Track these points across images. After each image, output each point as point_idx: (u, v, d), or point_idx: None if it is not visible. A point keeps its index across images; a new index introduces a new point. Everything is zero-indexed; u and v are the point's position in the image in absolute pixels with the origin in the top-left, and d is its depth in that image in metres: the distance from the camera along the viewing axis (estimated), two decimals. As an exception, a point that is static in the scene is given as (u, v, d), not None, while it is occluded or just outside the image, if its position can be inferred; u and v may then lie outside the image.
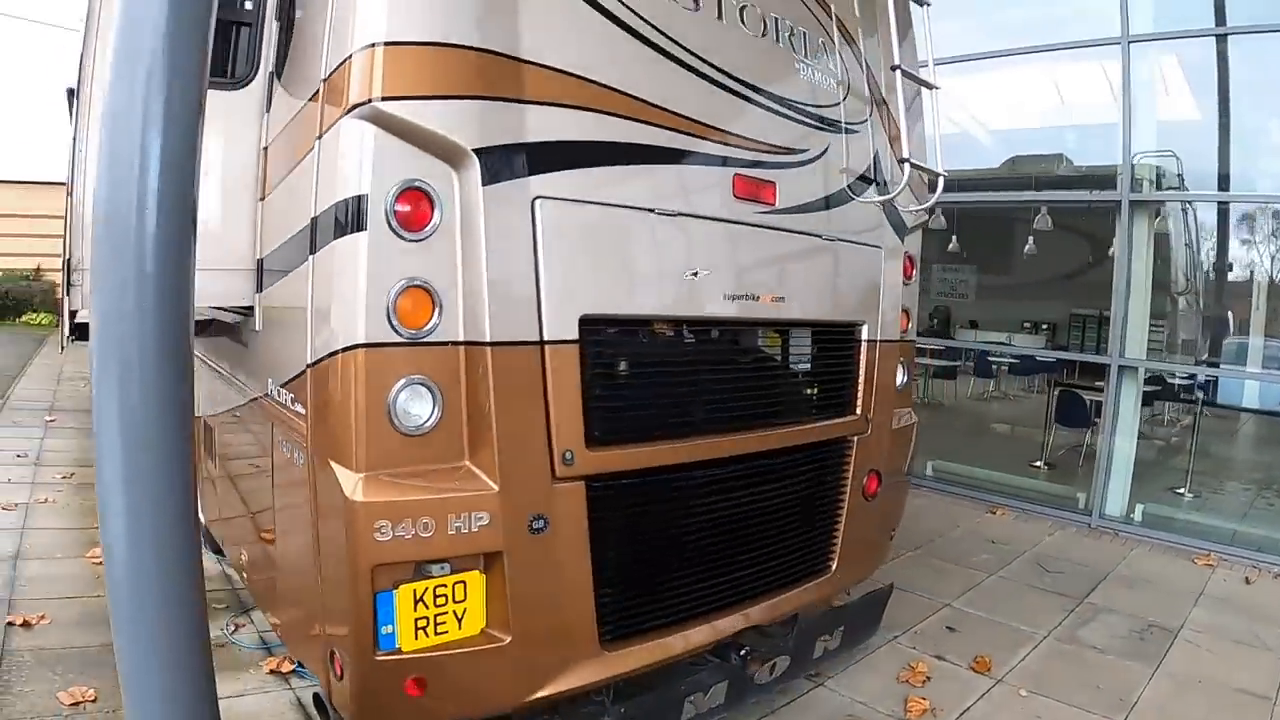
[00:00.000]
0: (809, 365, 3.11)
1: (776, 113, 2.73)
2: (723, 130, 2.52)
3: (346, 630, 2.04)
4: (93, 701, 2.67)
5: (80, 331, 4.15)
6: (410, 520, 1.98)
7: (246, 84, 2.46)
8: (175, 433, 1.33)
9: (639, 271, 2.36)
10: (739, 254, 2.61)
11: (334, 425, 2.04)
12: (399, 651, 2.04)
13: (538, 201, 2.11)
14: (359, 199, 1.95)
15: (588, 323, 2.22)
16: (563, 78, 2.16)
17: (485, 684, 2.18)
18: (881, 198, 3.13)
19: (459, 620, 2.11)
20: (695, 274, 2.46)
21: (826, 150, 2.94)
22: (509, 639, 2.15)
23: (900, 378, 3.46)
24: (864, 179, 3.13)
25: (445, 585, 2.08)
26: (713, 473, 2.59)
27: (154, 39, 1.23)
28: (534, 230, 2.10)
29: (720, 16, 2.57)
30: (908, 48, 3.33)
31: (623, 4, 2.30)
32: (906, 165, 3.07)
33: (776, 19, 2.77)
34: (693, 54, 2.45)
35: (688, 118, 2.42)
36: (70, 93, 2.81)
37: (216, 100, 3.13)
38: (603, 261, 2.27)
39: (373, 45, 1.93)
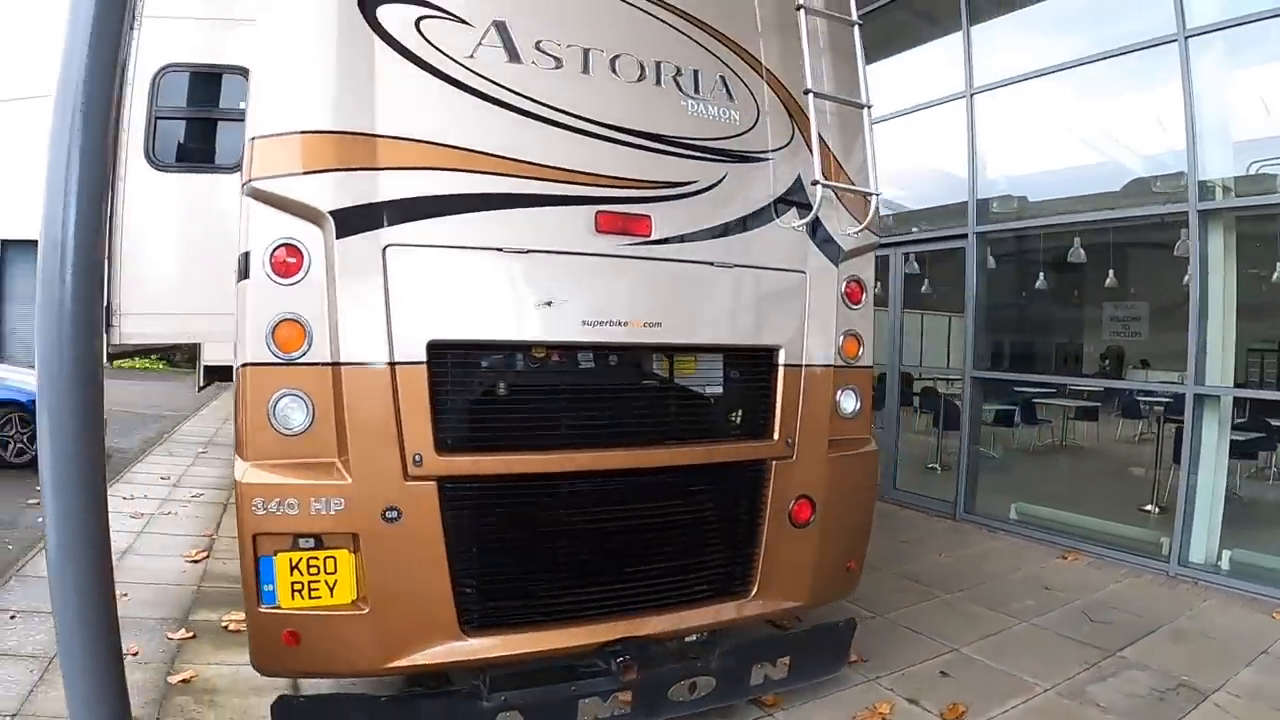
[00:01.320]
0: (707, 388, 3.23)
1: (652, 150, 2.96)
2: (582, 173, 2.82)
3: (244, 586, 2.62)
4: (133, 655, 3.42)
5: (218, 374, 5.20)
6: (279, 499, 2.49)
7: (234, 170, 3.22)
8: (89, 435, 1.98)
9: (487, 303, 2.72)
10: (603, 284, 2.86)
11: (237, 424, 2.65)
12: (278, 607, 2.54)
13: (388, 249, 2.57)
14: (247, 254, 2.55)
15: (435, 347, 2.62)
16: (414, 145, 2.60)
17: (348, 646, 2.61)
18: (799, 222, 3.21)
19: (330, 589, 2.57)
20: (549, 303, 2.77)
21: (722, 180, 3.10)
22: (368, 610, 2.58)
23: (852, 404, 3.44)
24: (787, 203, 3.23)
25: (317, 558, 2.55)
26: (582, 484, 2.84)
27: (75, 118, 1.90)
28: (384, 272, 2.56)
29: (586, 70, 2.89)
30: (845, 67, 3.42)
31: (477, 74, 2.70)
32: (819, 188, 3.19)
33: (659, 63, 3.03)
34: (550, 107, 2.79)
35: (541, 165, 2.75)
36: None
37: (222, 180, 4.00)
38: (450, 295, 2.67)
39: (252, 138, 2.55)
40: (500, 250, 2.70)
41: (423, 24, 2.70)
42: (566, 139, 2.82)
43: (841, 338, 3.38)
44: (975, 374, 6.44)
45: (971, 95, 6.38)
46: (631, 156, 2.93)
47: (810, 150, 3.24)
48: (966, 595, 4.77)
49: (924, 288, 7.96)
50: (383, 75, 2.63)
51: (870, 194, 3.37)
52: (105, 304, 3.28)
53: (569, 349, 2.94)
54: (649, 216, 2.93)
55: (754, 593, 3.19)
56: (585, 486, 2.87)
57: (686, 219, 3.02)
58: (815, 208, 3.21)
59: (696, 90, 3.11)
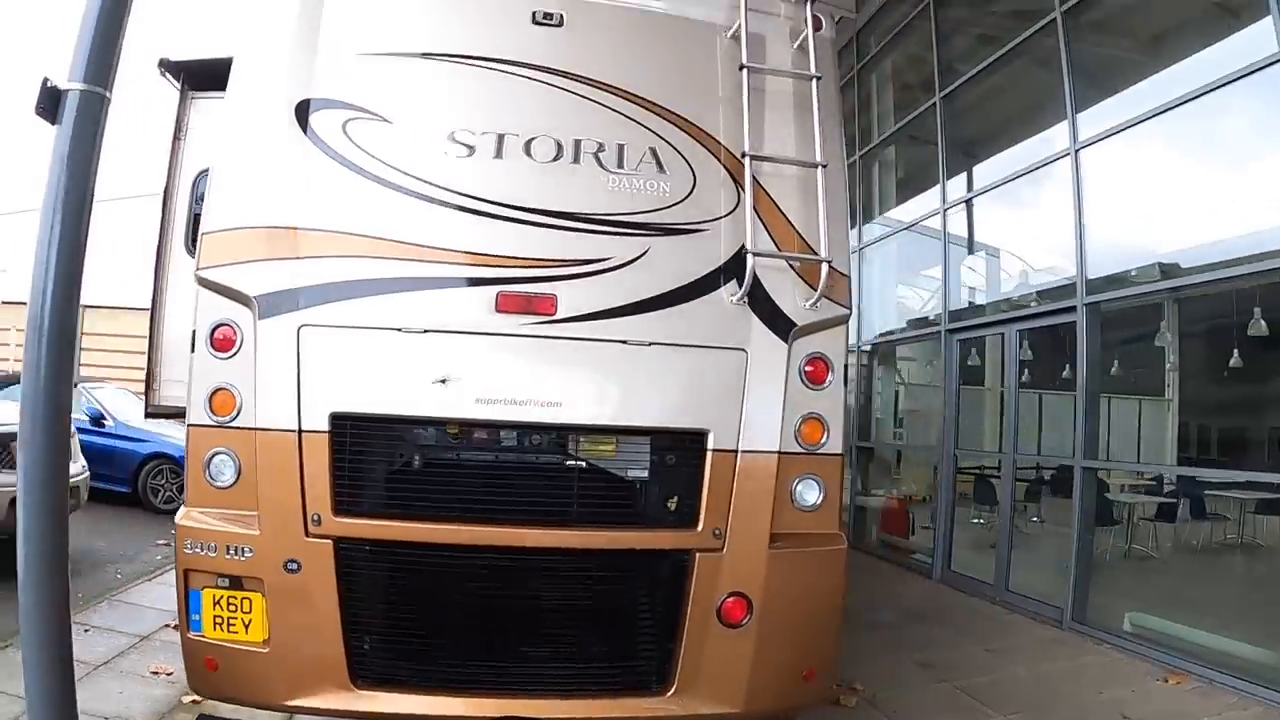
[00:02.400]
0: (624, 471, 3.09)
1: (562, 229, 3.03)
2: (487, 254, 2.97)
3: (178, 614, 2.96)
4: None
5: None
6: (205, 542, 2.85)
7: None
8: (56, 461, 2.50)
9: (386, 379, 2.92)
10: (500, 363, 2.95)
11: (184, 476, 3.08)
12: (203, 635, 2.87)
13: (301, 329, 2.88)
14: (194, 331, 3.00)
15: (337, 418, 2.87)
16: (330, 235, 2.93)
17: (254, 679, 2.88)
18: (735, 296, 3.08)
19: (246, 627, 2.86)
20: (443, 381, 2.90)
21: (643, 254, 3.08)
22: (269, 650, 2.85)
23: (814, 496, 3.13)
24: (730, 274, 3.10)
25: (236, 597, 2.86)
26: (474, 558, 2.89)
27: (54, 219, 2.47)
28: (297, 349, 2.87)
29: (499, 154, 3.06)
30: (806, 125, 3.24)
31: (392, 167, 2.99)
32: (750, 258, 3.05)
33: (579, 141, 3.11)
34: (457, 193, 3.00)
35: (446, 249, 2.95)
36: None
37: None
38: (354, 371, 2.91)
39: (202, 234, 3.02)
40: (400, 330, 2.93)
41: (348, 125, 3.04)
42: (474, 222, 3.00)
43: (799, 421, 3.13)
44: (1085, 464, 5.62)
45: (1076, 151, 5.78)
46: (540, 236, 3.03)
47: (758, 217, 3.14)
48: (1025, 715, 4.16)
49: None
50: (310, 174, 3.00)
51: (820, 260, 3.12)
52: (147, 371, 3.97)
53: (465, 426, 3.02)
54: (554, 295, 3.00)
55: (671, 692, 2.98)
56: (478, 560, 2.91)
57: (598, 297, 3.03)
58: (746, 280, 3.06)
59: (620, 164, 3.14)
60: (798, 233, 3.21)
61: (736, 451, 3.05)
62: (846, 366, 3.35)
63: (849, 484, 9.37)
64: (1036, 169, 6.38)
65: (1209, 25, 5.35)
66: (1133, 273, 5.64)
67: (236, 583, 2.87)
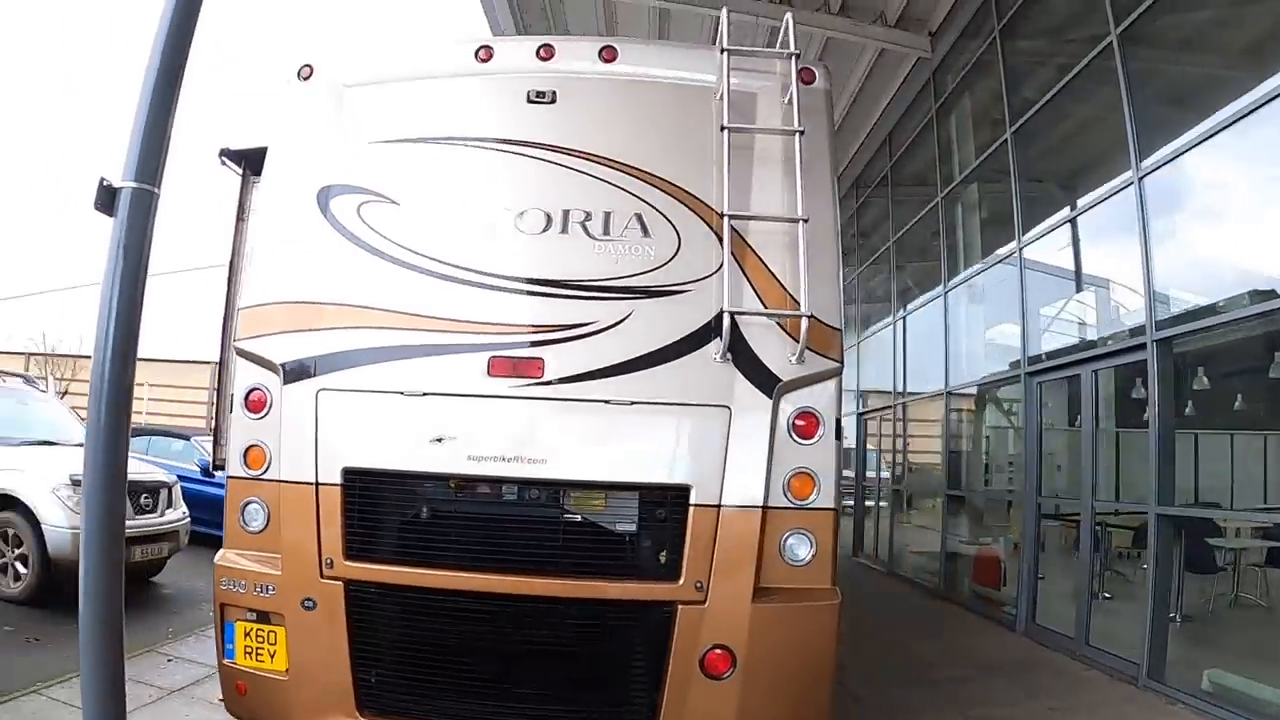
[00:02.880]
0: (610, 525, 3.19)
1: (550, 296, 3.23)
2: (481, 322, 3.20)
3: (216, 643, 3.33)
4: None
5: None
6: (236, 580, 3.21)
7: None
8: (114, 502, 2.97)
9: (391, 438, 3.20)
10: (491, 423, 3.15)
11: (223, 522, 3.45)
12: (235, 663, 3.22)
13: (320, 392, 3.22)
14: (233, 395, 3.44)
15: (349, 472, 3.16)
16: (344, 308, 3.27)
17: (275, 704, 3.18)
18: (715, 354, 3.14)
19: (271, 657, 3.18)
20: (439, 440, 3.15)
21: (627, 317, 3.21)
22: (288, 678, 3.16)
23: (805, 551, 3.13)
24: (709, 333, 3.16)
25: (263, 630, 3.20)
26: (471, 603, 3.07)
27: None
28: (316, 410, 3.22)
29: (493, 228, 3.30)
30: (790, 181, 3.24)
31: (397, 244, 3.30)
32: (726, 317, 3.12)
33: (567, 211, 3.30)
34: (454, 266, 3.26)
35: (445, 318, 3.21)
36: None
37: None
38: (362, 430, 3.21)
39: (239, 309, 3.46)
40: (402, 393, 3.20)
41: (362, 208, 3.40)
42: (469, 293, 3.26)
43: (789, 476, 3.15)
44: (1161, 510, 5.21)
45: (1140, 179, 5.46)
46: (529, 303, 3.24)
47: (743, 275, 3.23)
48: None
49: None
50: (328, 253, 3.36)
51: (800, 316, 3.12)
52: (214, 430, 4.47)
53: (463, 481, 3.22)
54: (541, 359, 3.19)
55: None
56: (471, 605, 3.09)
57: (583, 359, 3.18)
58: (724, 338, 3.13)
59: (606, 232, 3.30)
60: (785, 290, 3.23)
61: (719, 506, 3.10)
62: (839, 421, 3.30)
63: (942, 533, 9.04)
64: (1103, 200, 6.05)
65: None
66: (1220, 303, 5.24)
67: (264, 617, 3.20)
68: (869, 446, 12.42)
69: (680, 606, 3.05)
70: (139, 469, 7.35)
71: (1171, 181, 5.37)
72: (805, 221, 3.21)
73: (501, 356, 3.21)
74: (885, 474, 11.75)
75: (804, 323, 3.14)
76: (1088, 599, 6.06)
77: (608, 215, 3.34)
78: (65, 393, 23.99)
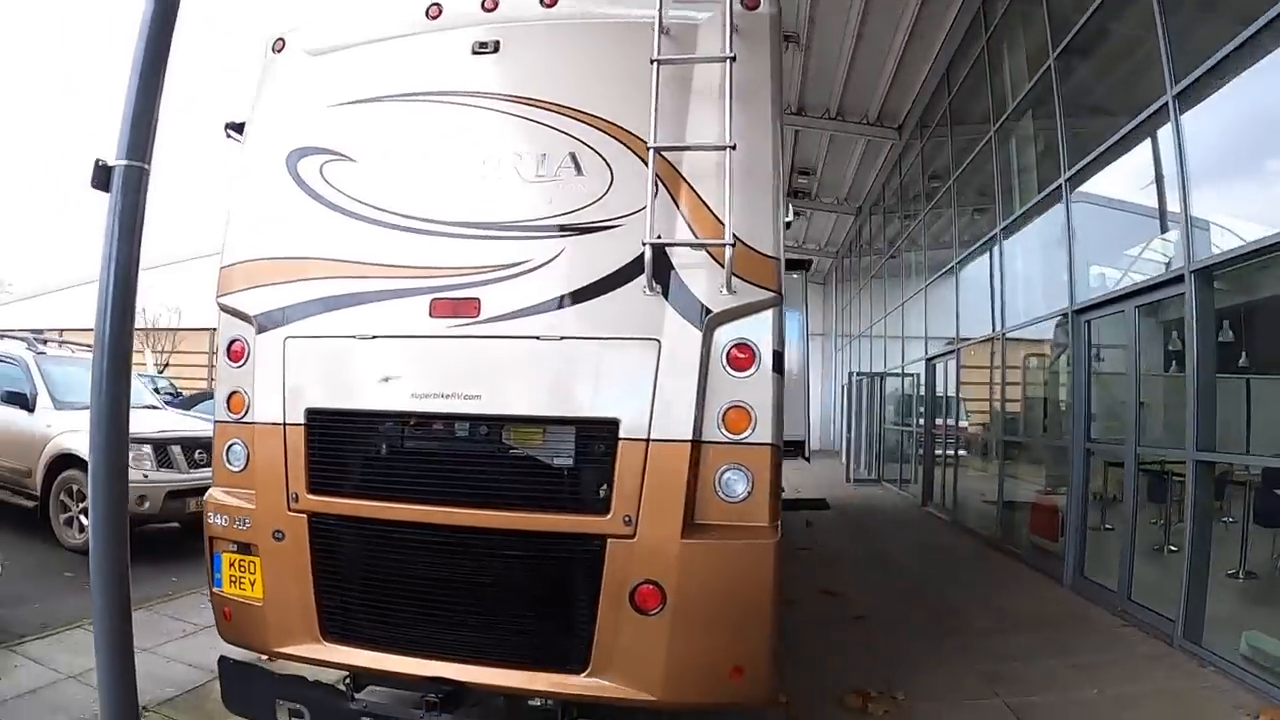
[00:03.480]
0: (545, 459, 3.23)
1: (485, 238, 3.29)
2: (422, 267, 3.31)
3: (207, 573, 3.59)
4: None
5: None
6: (220, 514, 3.49)
7: None
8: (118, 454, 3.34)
9: (346, 379, 3.37)
10: (432, 362, 3.27)
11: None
12: (223, 591, 3.51)
13: (287, 340, 3.43)
14: (218, 347, 3.72)
15: (312, 412, 3.36)
16: (306, 261, 3.44)
17: (254, 628, 3.44)
18: (644, 287, 3.11)
19: (251, 585, 3.45)
20: (386, 379, 3.30)
21: (559, 255, 3.23)
22: (264, 604, 3.44)
23: (741, 487, 3.06)
24: (639, 267, 3.12)
25: (243, 561, 3.46)
26: (417, 534, 3.20)
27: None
28: (283, 357, 3.43)
29: (436, 176, 3.39)
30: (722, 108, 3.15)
31: (350, 197, 3.45)
32: (647, 248, 3.10)
33: (500, 154, 3.34)
34: (398, 214, 3.38)
35: (391, 265, 3.34)
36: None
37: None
38: (323, 373, 3.39)
39: (219, 268, 3.69)
40: (355, 337, 3.37)
41: (325, 168, 3.55)
42: (413, 240, 3.36)
43: (723, 410, 3.10)
44: (1201, 456, 4.77)
45: (1175, 97, 4.95)
46: (467, 246, 3.30)
47: (676, 207, 3.18)
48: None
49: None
50: (295, 212, 3.54)
51: (723, 244, 3.05)
52: None
53: (407, 417, 3.35)
54: (478, 299, 3.26)
55: (588, 671, 3.08)
56: (418, 536, 3.22)
57: (517, 297, 3.23)
58: (647, 270, 3.11)
59: (539, 172, 3.32)
60: (720, 221, 3.12)
61: (647, 440, 3.07)
62: (779, 353, 3.18)
63: (998, 482, 8.64)
64: (1140, 125, 5.52)
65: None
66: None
67: (244, 548, 3.45)
68: (936, 393, 11.94)
69: (610, 540, 3.05)
70: (196, 427, 8.00)
71: (1207, 101, 4.84)
72: (733, 148, 3.11)
73: (442, 298, 3.30)
74: (954, 421, 11.27)
75: (728, 251, 3.06)
76: (1129, 551, 5.64)
77: (542, 156, 3.35)
78: (166, 365, 25.86)
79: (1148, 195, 5.74)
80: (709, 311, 3.12)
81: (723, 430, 3.10)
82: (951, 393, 11.12)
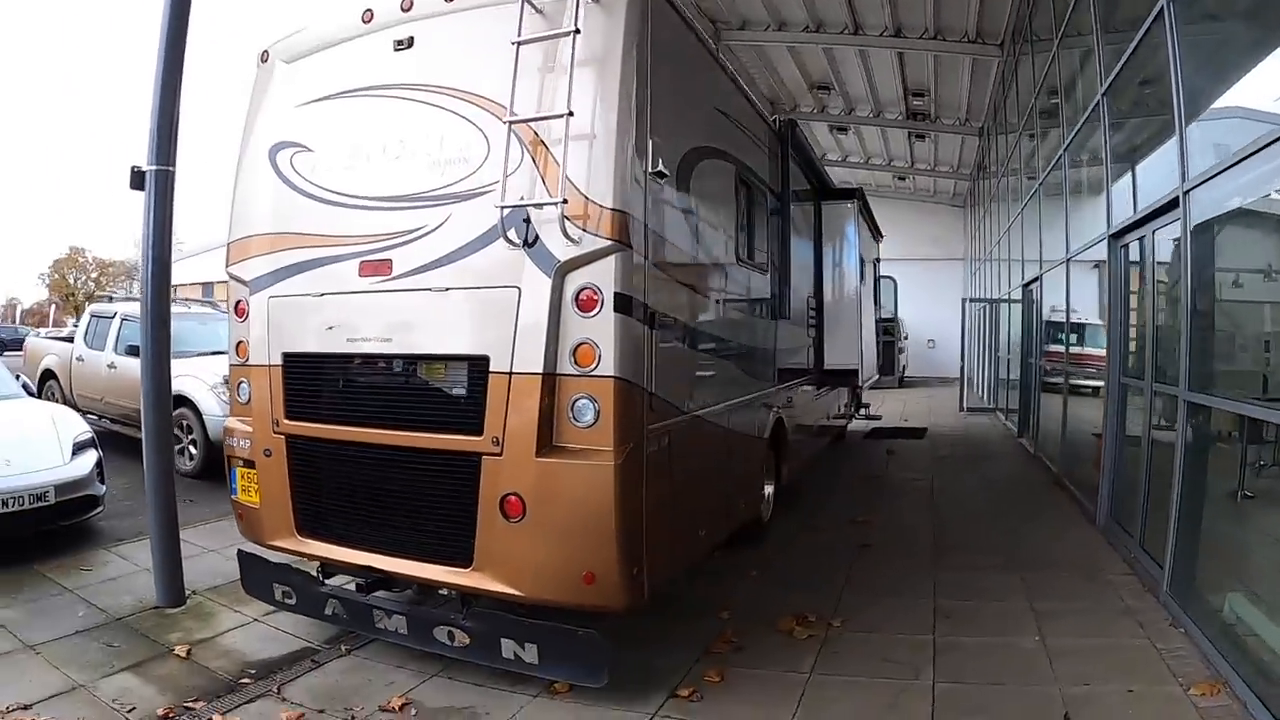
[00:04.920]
0: (436, 389, 3.76)
1: (398, 209, 3.79)
2: (358, 235, 3.88)
3: (228, 483, 4.48)
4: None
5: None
6: (233, 437, 4.36)
7: None
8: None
9: (306, 328, 4.04)
10: (359, 313, 3.87)
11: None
12: (236, 498, 4.38)
13: (270, 299, 4.16)
14: (228, 305, 4.55)
15: (286, 356, 4.09)
16: (281, 235, 4.13)
17: (255, 527, 4.29)
18: (504, 243, 3.47)
19: (252, 492, 4.30)
20: (331, 328, 3.94)
21: (447, 220, 3.67)
22: (260, 508, 4.27)
23: (588, 415, 3.39)
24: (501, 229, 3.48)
25: (247, 473, 4.29)
26: (360, 449, 3.84)
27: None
28: (268, 313, 4.17)
29: (365, 159, 3.92)
30: (586, 80, 3.42)
31: (309, 181, 4.08)
32: (498, 210, 3.46)
33: (414, 137, 3.79)
34: (340, 194, 3.97)
35: (335, 235, 3.94)
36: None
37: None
38: (293, 324, 4.09)
39: (226, 244, 4.48)
40: (310, 295, 4.05)
41: (293, 158, 4.19)
42: (349, 214, 3.95)
43: (574, 346, 3.43)
44: (1192, 397, 4.30)
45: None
46: (386, 217, 3.84)
47: (537, 171, 3.48)
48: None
49: None
50: (273, 195, 4.23)
51: (554, 203, 3.35)
52: None
53: (347, 358, 3.98)
54: (390, 260, 3.81)
55: (473, 567, 3.58)
56: (353, 452, 3.88)
57: (417, 257, 3.74)
58: (500, 226, 3.48)
59: (440, 149, 3.75)
60: (570, 182, 3.40)
61: (509, 373, 3.48)
62: (620, 295, 3.39)
63: (1062, 416, 8.03)
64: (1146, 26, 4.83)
65: None
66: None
67: (248, 464, 4.30)
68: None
69: (484, 457, 3.53)
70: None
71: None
72: (571, 115, 3.37)
73: (367, 260, 3.89)
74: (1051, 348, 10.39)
75: (559, 208, 3.35)
76: (1145, 495, 5.20)
77: (442, 136, 3.78)
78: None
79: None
80: (557, 261, 3.43)
81: (574, 364, 3.43)
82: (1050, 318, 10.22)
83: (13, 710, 3.41)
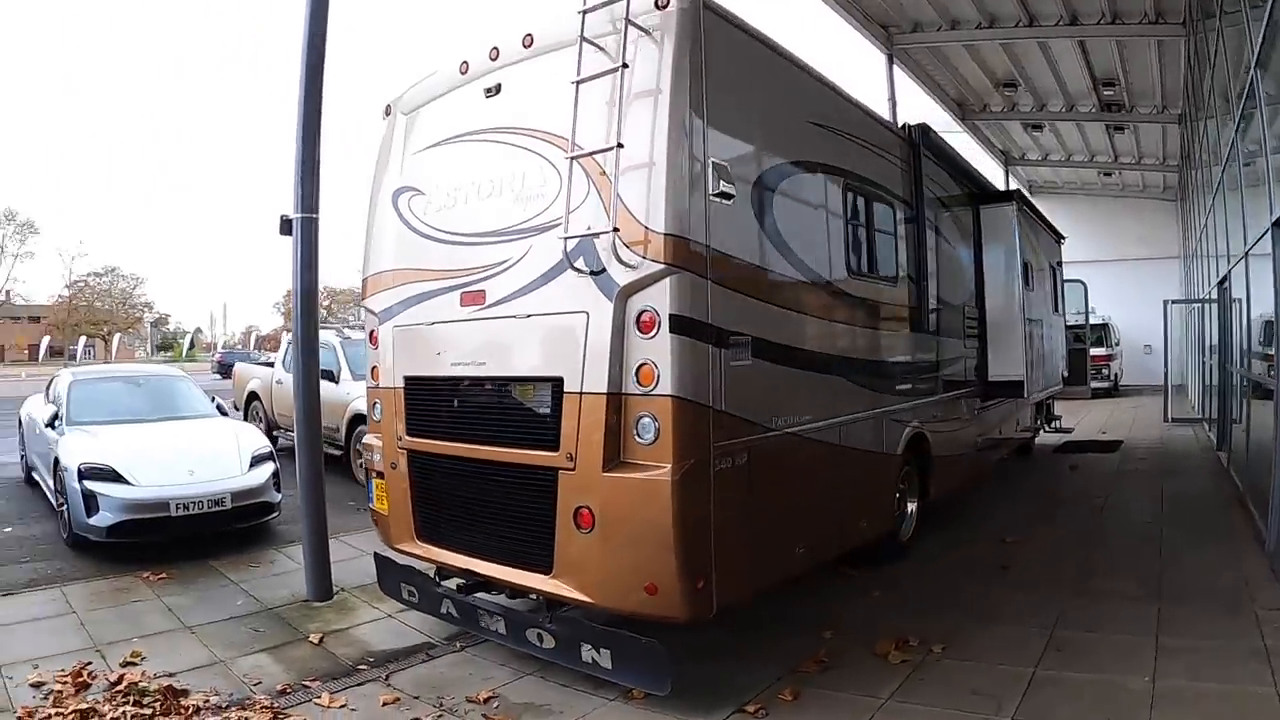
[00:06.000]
0: (522, 408, 3.97)
1: (489, 243, 4.11)
2: (459, 269, 4.24)
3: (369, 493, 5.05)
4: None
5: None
6: (368, 451, 4.91)
7: None
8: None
9: (421, 353, 4.45)
10: (462, 338, 4.22)
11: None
12: (373, 506, 4.91)
13: (395, 329, 4.65)
14: (364, 335, 5.11)
15: (407, 379, 4.55)
16: (400, 271, 4.62)
17: (387, 531, 4.76)
18: (573, 272, 3.66)
19: (383, 501, 4.81)
20: (439, 353, 4.34)
21: (528, 252, 3.92)
22: (389, 514, 4.75)
23: (649, 433, 3.48)
24: (567, 258, 3.69)
25: (380, 484, 4.80)
26: (463, 463, 4.18)
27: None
28: (393, 341, 4.66)
29: (466, 201, 4.28)
30: (643, 113, 3.51)
31: (420, 220, 4.52)
32: (563, 242, 3.66)
33: (502, 177, 4.09)
34: (446, 232, 4.36)
35: (441, 270, 4.34)
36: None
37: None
38: (411, 350, 4.53)
39: (362, 279, 5.05)
40: (422, 324, 4.49)
41: (411, 201, 4.66)
42: (453, 249, 4.34)
43: (638, 367, 3.53)
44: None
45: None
46: (481, 251, 4.18)
47: (601, 203, 3.61)
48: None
49: None
50: (396, 235, 4.72)
51: (605, 232, 3.52)
52: None
53: (454, 381, 4.33)
54: (484, 290, 4.14)
55: (553, 573, 3.78)
56: (457, 465, 4.23)
57: (505, 287, 4.03)
58: (565, 254, 3.68)
59: (524, 186, 4.02)
60: (629, 211, 3.53)
61: (580, 393, 3.66)
62: (677, 316, 3.46)
63: (1244, 427, 6.91)
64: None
65: None
66: None
67: (380, 475, 4.82)
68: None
69: (560, 471, 3.72)
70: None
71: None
72: (620, 147, 3.51)
73: (466, 291, 4.26)
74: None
75: (611, 236, 3.48)
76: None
77: (523, 175, 4.05)
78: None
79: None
80: (618, 286, 3.58)
81: (637, 384, 3.54)
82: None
83: (159, 676, 4.03)
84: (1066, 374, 11.29)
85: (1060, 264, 11.39)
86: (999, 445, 8.76)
